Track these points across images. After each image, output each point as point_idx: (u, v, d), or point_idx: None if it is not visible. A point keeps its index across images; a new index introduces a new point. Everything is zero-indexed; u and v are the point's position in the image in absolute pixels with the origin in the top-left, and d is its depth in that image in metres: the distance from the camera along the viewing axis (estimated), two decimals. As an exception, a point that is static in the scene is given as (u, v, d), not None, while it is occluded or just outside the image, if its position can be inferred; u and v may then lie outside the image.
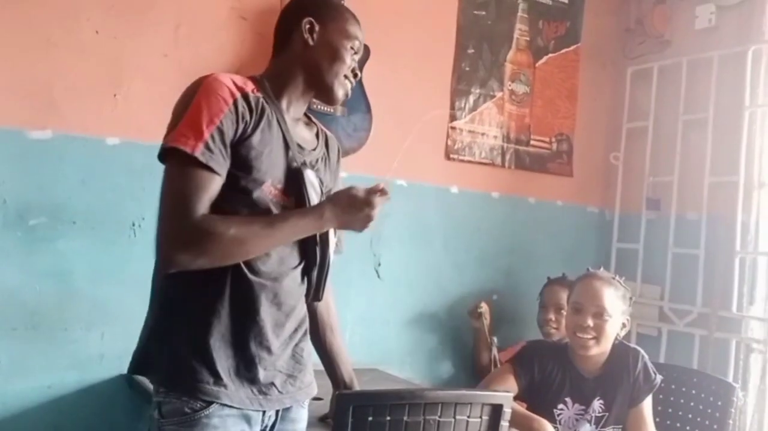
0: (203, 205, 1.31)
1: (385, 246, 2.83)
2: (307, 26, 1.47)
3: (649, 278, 3.14)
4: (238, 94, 1.36)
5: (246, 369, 1.39)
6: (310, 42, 1.47)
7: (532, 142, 3.20)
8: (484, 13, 3.07)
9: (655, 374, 2.15)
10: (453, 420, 1.63)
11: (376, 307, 2.82)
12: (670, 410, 2.48)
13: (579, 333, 2.12)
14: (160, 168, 2.42)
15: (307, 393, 1.52)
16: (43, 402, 2.23)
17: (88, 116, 2.30)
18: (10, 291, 2.18)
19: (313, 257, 1.47)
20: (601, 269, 2.31)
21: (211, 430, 1.35)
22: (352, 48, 1.50)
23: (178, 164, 1.31)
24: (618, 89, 3.36)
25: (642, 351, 2.19)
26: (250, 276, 1.38)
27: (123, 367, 2.32)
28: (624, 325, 2.18)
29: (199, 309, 1.37)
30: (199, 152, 1.29)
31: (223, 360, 1.36)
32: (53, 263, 2.24)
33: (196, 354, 1.35)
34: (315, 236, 1.44)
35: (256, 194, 1.37)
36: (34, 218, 2.21)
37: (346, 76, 1.50)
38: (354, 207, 1.40)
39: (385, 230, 2.83)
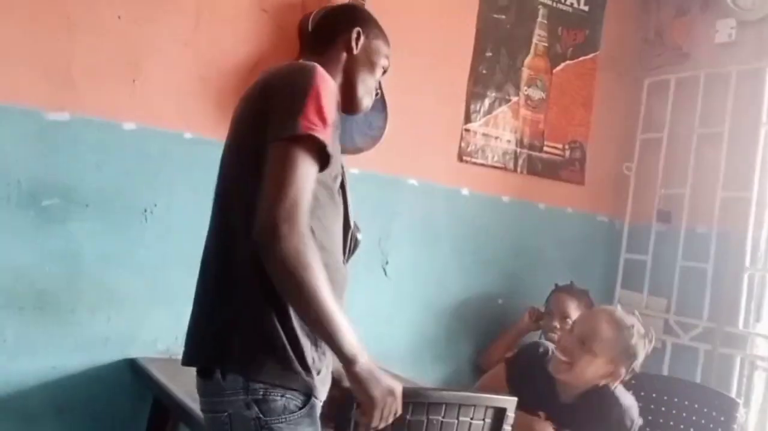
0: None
1: (393, 244, 2.83)
2: (355, 35, 1.52)
3: (655, 290, 3.13)
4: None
5: (318, 361, 1.38)
6: (354, 50, 1.52)
7: (545, 148, 3.19)
8: (503, 17, 3.07)
9: (632, 423, 2.05)
10: (456, 421, 1.63)
11: (381, 305, 2.82)
12: (671, 423, 2.48)
13: (558, 350, 2.11)
14: (174, 155, 2.45)
15: None
16: (47, 382, 2.24)
17: (106, 99, 2.30)
18: (19, 270, 2.19)
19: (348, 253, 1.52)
20: (636, 313, 2.15)
21: (315, 425, 1.36)
22: (383, 67, 1.59)
23: (306, 150, 1.29)
24: (634, 100, 3.35)
25: (624, 406, 2.07)
26: (332, 272, 1.35)
27: (127, 351, 2.36)
28: (611, 374, 2.06)
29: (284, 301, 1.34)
30: (330, 143, 1.31)
31: (308, 352, 1.35)
32: (64, 245, 2.25)
33: (295, 348, 1.33)
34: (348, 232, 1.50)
35: (331, 186, 1.41)
36: (47, 199, 2.22)
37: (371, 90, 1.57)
38: (382, 391, 1.32)
39: (394, 228, 2.83)
